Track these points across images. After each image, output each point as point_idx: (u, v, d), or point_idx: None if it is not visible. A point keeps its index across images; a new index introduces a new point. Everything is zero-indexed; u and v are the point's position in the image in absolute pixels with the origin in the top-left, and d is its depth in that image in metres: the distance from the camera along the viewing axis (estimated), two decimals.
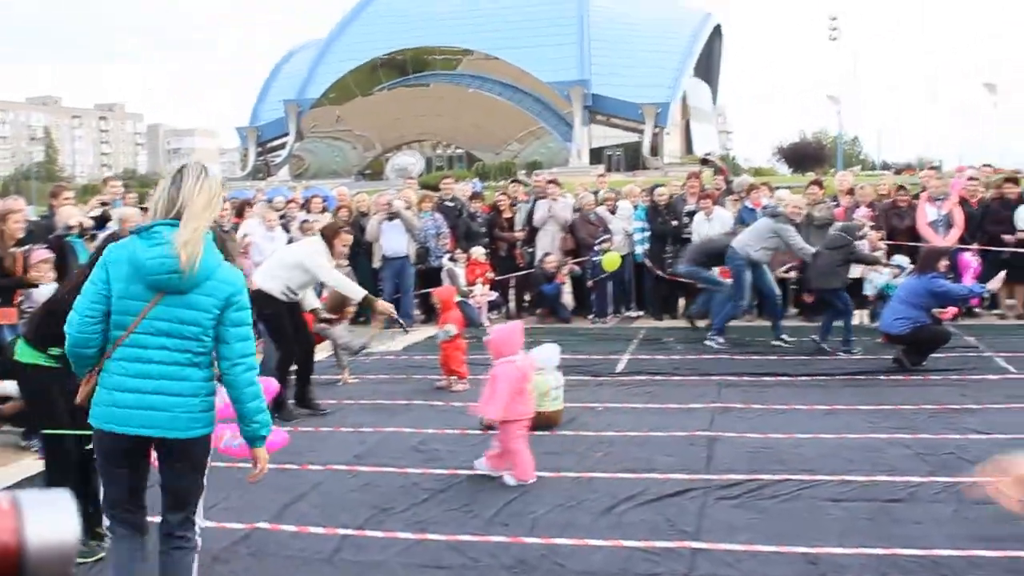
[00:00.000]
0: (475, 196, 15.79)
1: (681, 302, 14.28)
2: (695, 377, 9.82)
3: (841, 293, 11.32)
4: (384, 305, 9.22)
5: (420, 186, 20.95)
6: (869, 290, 12.47)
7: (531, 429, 7.77)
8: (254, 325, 4.52)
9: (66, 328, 3.91)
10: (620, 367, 10.59)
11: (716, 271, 12.22)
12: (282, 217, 14.13)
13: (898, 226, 13.73)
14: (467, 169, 57.98)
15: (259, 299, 7.79)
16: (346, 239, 8.93)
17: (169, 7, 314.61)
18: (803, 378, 9.63)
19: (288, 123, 75.85)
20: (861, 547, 5.19)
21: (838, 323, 11.32)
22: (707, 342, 11.64)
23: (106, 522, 4.26)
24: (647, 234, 14.06)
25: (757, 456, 6.97)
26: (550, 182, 14.97)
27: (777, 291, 12.09)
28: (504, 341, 6.76)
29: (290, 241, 12.90)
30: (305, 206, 15.50)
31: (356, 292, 8.77)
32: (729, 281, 12.17)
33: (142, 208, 12.13)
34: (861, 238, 12.10)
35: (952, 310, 12.42)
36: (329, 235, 8.75)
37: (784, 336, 11.69)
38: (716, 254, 12.31)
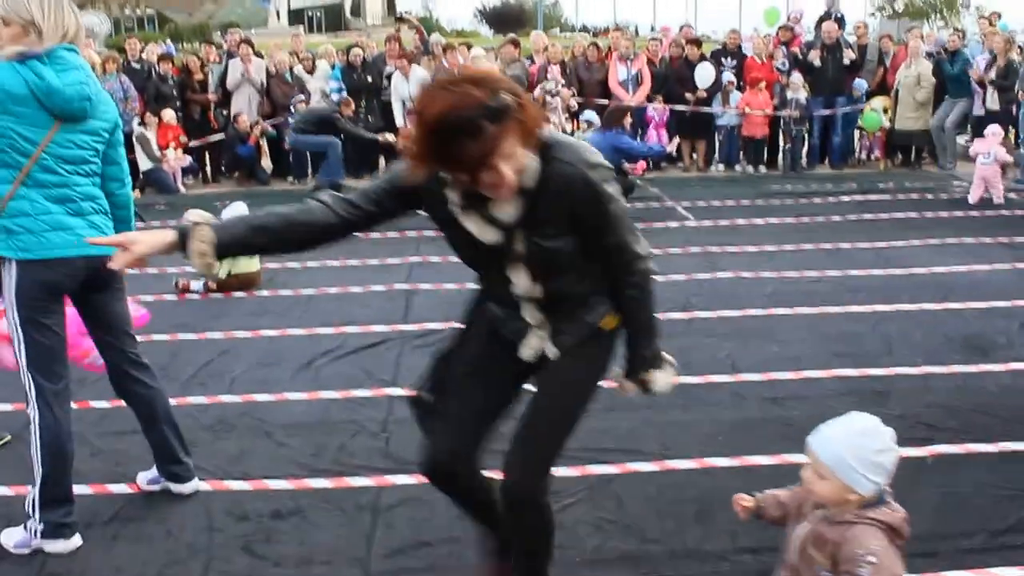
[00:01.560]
0: (164, 58, 14.92)
1: (381, 161, 14.22)
2: (394, 233, 9.85)
3: None
4: None
5: (108, 48, 19.57)
6: None
7: (229, 291, 7.67)
8: None
9: None
10: None
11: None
12: None
13: (588, 81, 14.23)
14: (158, 31, 54.75)
15: None
16: None
17: None
18: None
19: None
20: None
21: None
22: None
23: (35, 392, 3.75)
24: (344, 94, 13.82)
25: (454, 306, 7.12)
26: (242, 42, 14.38)
27: None
28: None
29: None
30: None
31: None
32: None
33: None
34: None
35: (641, 164, 13.10)
36: None
37: None
38: (321, 121, 12.54)
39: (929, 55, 14.66)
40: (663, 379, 3.04)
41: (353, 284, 7.85)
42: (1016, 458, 4.50)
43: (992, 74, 13.22)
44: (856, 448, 2.42)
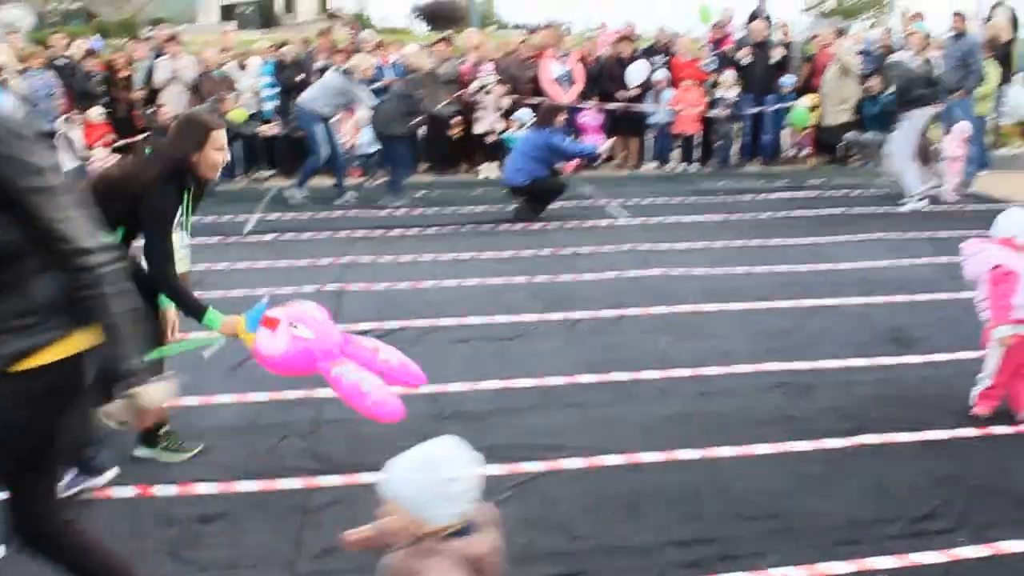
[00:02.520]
0: (90, 54, 14.62)
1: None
2: (325, 233, 9.83)
3: (403, 141, 11.57)
4: None
5: (33, 43, 19.12)
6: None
7: None
8: None
9: None
10: (249, 227, 10.40)
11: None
12: None
13: (521, 79, 14.22)
14: (85, 25, 53.68)
15: None
16: None
17: None
18: (432, 229, 9.89)
19: None
20: (480, 381, 5.50)
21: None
22: (286, 195, 11.79)
23: None
24: (276, 90, 13.70)
25: (385, 305, 7.14)
26: (170, 39, 14.16)
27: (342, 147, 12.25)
28: None
29: None
30: None
31: None
32: None
33: None
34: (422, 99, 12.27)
35: (574, 162, 13.15)
36: None
37: (302, 192, 11.76)
38: None
39: (860, 53, 14.94)
40: (151, 393, 2.61)
41: (283, 285, 7.75)
42: (936, 446, 4.62)
43: None
44: (421, 479, 2.29)
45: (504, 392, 5.37)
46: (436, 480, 2.28)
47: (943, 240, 9.05)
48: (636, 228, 10.02)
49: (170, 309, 4.64)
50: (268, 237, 9.79)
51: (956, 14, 12.71)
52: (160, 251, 4.35)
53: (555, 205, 10.82)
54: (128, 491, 4.24)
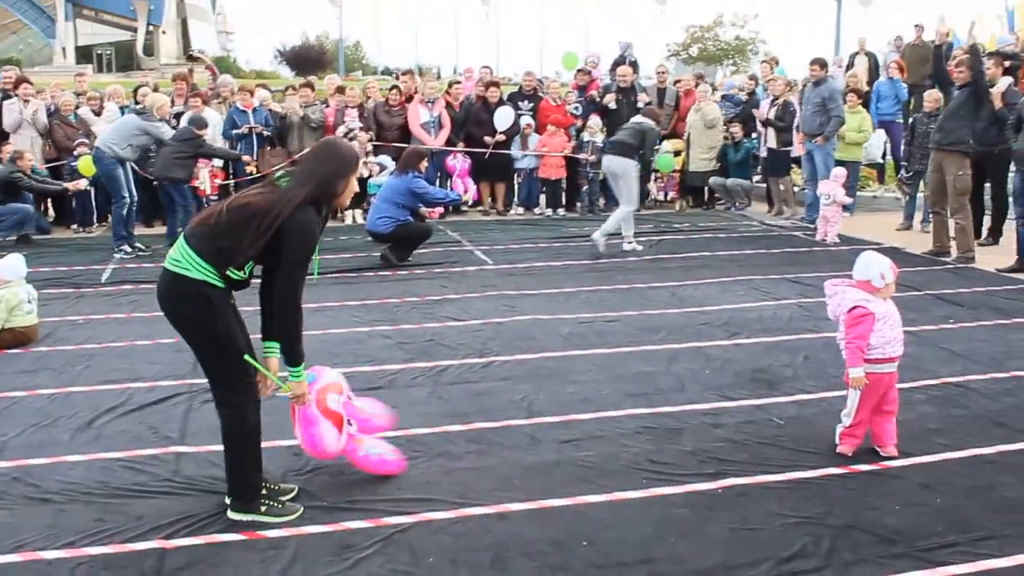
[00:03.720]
0: None
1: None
2: None
3: (182, 187, 11.33)
4: None
5: None
6: None
7: (2, 348, 7.21)
8: None
9: None
10: (105, 277, 10.05)
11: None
12: None
13: (388, 125, 14.15)
14: None
15: None
16: None
17: None
18: None
19: None
20: None
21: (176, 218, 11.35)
22: (116, 255, 11.16)
23: None
24: None
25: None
26: (22, 81, 13.64)
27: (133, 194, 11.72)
28: None
29: None
30: None
31: None
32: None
33: None
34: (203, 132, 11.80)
35: (439, 209, 13.09)
36: None
37: (131, 246, 11.40)
38: (3, 185, 12.00)
39: (723, 97, 15.38)
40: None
41: (140, 338, 7.50)
42: (802, 485, 4.65)
43: (771, 114, 13.90)
44: None
45: None
46: None
47: (806, 281, 9.27)
48: (503, 274, 10.01)
49: (273, 359, 4.48)
50: (126, 287, 9.47)
51: (813, 61, 13.16)
52: (301, 280, 4.23)
53: (421, 251, 10.75)
54: None
